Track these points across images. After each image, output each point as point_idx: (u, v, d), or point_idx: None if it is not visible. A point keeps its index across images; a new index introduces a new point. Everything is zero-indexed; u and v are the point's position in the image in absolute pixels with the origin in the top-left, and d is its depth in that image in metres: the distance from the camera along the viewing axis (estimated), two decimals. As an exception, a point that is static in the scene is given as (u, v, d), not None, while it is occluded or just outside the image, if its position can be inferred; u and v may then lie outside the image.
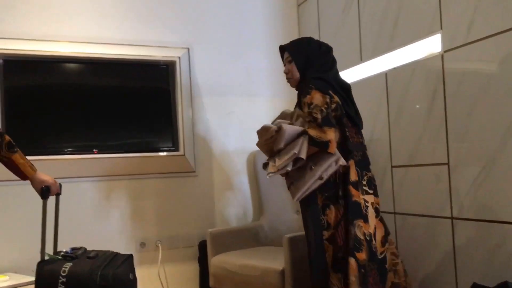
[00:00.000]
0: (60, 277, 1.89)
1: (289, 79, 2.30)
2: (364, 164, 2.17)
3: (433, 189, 2.44)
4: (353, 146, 2.13)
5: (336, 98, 2.10)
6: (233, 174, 3.44)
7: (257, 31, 3.55)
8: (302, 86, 2.20)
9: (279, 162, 1.95)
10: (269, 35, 3.59)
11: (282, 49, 2.35)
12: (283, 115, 2.24)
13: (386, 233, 2.19)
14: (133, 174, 3.12)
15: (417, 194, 2.55)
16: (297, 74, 2.24)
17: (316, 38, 3.37)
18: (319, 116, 1.97)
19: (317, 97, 2.02)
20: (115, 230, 3.07)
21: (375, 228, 2.12)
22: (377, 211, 2.17)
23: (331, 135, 1.97)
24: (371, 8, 2.88)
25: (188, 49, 3.30)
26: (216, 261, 2.84)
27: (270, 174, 1.97)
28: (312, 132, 1.96)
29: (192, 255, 3.23)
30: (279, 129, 1.99)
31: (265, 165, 2.09)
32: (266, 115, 3.54)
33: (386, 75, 2.76)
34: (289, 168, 1.95)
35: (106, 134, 3.15)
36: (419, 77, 2.53)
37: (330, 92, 2.08)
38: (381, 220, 2.20)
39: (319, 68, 2.19)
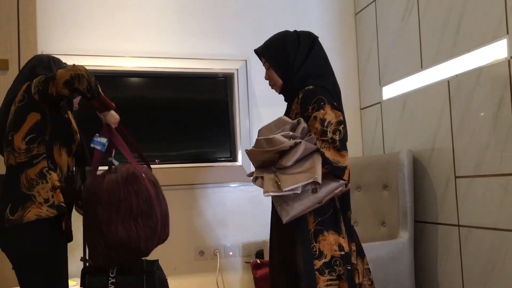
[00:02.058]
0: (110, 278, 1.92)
1: (272, 86, 2.08)
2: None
3: (500, 201, 2.32)
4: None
5: (343, 114, 1.89)
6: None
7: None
8: (290, 92, 1.96)
9: (287, 183, 1.67)
10: (326, 44, 3.54)
11: (258, 54, 2.10)
12: (279, 123, 1.88)
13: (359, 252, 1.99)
14: (192, 183, 3.20)
15: (484, 206, 2.44)
16: (279, 81, 2.00)
17: (375, 46, 3.38)
18: (337, 137, 1.76)
19: (330, 114, 1.79)
20: (174, 238, 3.12)
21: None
22: None
23: (347, 160, 1.78)
24: (432, 14, 2.81)
25: (246, 61, 3.36)
26: (273, 271, 2.84)
27: (270, 194, 1.69)
28: (329, 154, 1.73)
29: (249, 264, 3.25)
30: (295, 146, 1.73)
31: (256, 179, 1.82)
32: (323, 125, 3.53)
33: (448, 82, 2.67)
34: (298, 192, 1.69)
35: (167, 145, 3.26)
36: (484, 84, 2.43)
37: (336, 105, 1.84)
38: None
39: (311, 70, 1.92)
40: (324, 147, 1.75)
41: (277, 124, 1.86)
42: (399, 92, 3.14)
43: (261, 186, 1.76)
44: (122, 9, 3.16)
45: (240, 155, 3.31)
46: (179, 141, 3.28)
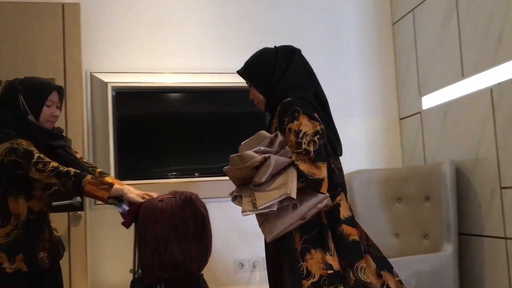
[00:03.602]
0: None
1: (256, 105, 2.01)
2: (344, 193, 1.87)
3: (550, 213, 2.23)
4: (339, 176, 1.84)
5: (321, 124, 1.80)
6: (329, 196, 3.41)
7: (351, 52, 3.55)
8: (273, 106, 1.88)
9: (261, 201, 1.59)
10: (363, 55, 3.57)
11: (240, 74, 2.07)
12: (258, 139, 1.82)
13: (379, 265, 1.81)
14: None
15: (532, 218, 2.34)
16: (261, 97, 1.94)
17: (413, 55, 3.34)
18: (311, 148, 1.66)
19: (305, 124, 1.71)
20: (214, 251, 3.13)
21: None
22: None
23: (325, 172, 1.66)
24: (473, 22, 2.75)
25: (282, 73, 3.38)
26: (313, 284, 2.81)
27: (248, 213, 1.62)
28: (304, 167, 1.63)
29: (289, 277, 3.24)
30: (265, 161, 1.67)
31: (235, 198, 1.78)
32: (361, 136, 3.50)
33: (491, 90, 2.60)
34: (274, 209, 1.59)
35: (206, 158, 3.30)
36: (529, 92, 2.35)
37: (316, 116, 1.77)
38: (367, 251, 1.85)
39: (291, 82, 1.86)
40: (299, 159, 1.66)
41: (256, 140, 1.81)
42: (439, 101, 3.07)
43: (240, 205, 1.70)
44: (161, 27, 3.25)
45: (278, 167, 3.31)
46: (218, 154, 3.32)
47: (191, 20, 3.31)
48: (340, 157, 1.97)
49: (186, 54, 3.27)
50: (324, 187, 1.63)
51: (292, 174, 1.62)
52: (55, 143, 2.04)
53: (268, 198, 1.58)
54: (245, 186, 1.74)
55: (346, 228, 1.74)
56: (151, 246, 1.91)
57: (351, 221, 1.77)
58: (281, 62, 1.89)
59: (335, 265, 1.69)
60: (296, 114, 1.72)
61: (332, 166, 1.79)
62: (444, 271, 2.65)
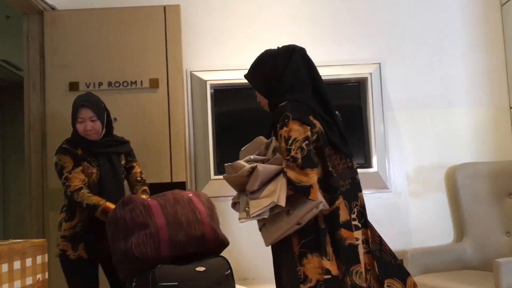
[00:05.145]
0: None
1: (263, 107, 1.98)
2: (353, 194, 1.81)
3: None
4: (339, 177, 1.77)
5: (318, 125, 1.76)
6: (430, 190, 3.26)
7: (455, 37, 3.34)
8: (274, 109, 1.84)
9: (253, 209, 1.62)
10: (468, 40, 3.35)
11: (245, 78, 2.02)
12: (256, 145, 1.84)
13: (387, 273, 1.75)
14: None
15: None
16: (264, 100, 1.92)
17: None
18: (299, 155, 1.63)
19: (295, 130, 1.67)
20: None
21: (365, 267, 1.75)
22: (368, 245, 1.79)
23: (314, 178, 1.63)
24: None
25: (379, 64, 3.28)
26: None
27: (243, 220, 1.66)
28: (292, 174, 1.62)
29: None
30: (253, 171, 1.68)
31: (234, 204, 1.80)
32: (466, 128, 3.30)
33: None
34: (265, 216, 1.62)
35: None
36: None
37: (311, 118, 1.74)
38: (376, 255, 1.79)
39: (289, 82, 1.82)
40: (288, 166, 1.64)
41: (254, 146, 1.82)
42: (557, 87, 2.79)
43: (238, 211, 1.72)
44: (255, 23, 3.31)
45: (375, 161, 3.23)
46: (313, 148, 3.31)
47: (285, 14, 3.33)
48: (347, 156, 1.87)
49: (280, 49, 3.29)
50: (313, 193, 1.61)
51: (282, 182, 1.62)
52: (97, 150, 2.36)
53: (259, 206, 1.61)
54: (243, 193, 1.75)
55: (344, 232, 1.70)
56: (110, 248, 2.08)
57: (349, 225, 1.73)
58: (279, 64, 1.85)
59: (333, 269, 1.66)
60: (286, 120, 1.69)
61: (330, 169, 1.73)
62: None
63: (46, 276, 1.82)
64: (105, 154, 2.37)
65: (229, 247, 2.13)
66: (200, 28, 3.28)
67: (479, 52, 3.35)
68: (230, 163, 1.78)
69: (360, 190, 1.85)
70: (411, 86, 3.31)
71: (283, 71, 1.83)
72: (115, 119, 2.93)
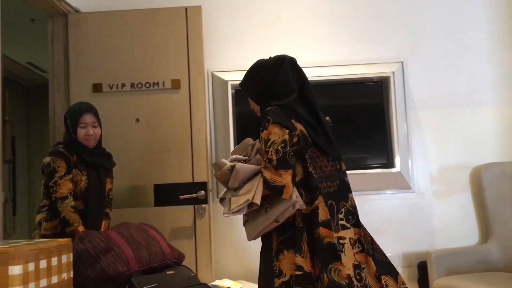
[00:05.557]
0: None
1: (256, 113, 2.04)
2: (341, 195, 1.88)
3: None
4: (327, 178, 1.86)
5: (300, 127, 1.83)
6: (454, 190, 3.21)
7: (479, 34, 3.28)
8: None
9: (233, 205, 1.77)
10: (493, 36, 3.28)
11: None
12: (243, 146, 1.96)
13: (381, 270, 1.82)
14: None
15: None
16: (257, 107, 2.01)
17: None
18: (274, 157, 1.73)
19: (275, 133, 1.77)
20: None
21: (358, 265, 1.80)
22: (361, 244, 1.84)
23: (287, 179, 1.72)
24: None
25: (402, 62, 3.24)
26: (440, 284, 2.68)
27: (225, 215, 1.82)
28: (267, 174, 1.73)
29: (411, 276, 3.11)
30: (232, 169, 1.82)
31: (222, 200, 1.91)
32: (492, 126, 3.24)
33: None
34: (244, 212, 1.78)
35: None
36: None
37: (293, 122, 1.82)
38: (370, 254, 1.84)
39: (277, 90, 1.91)
40: (266, 167, 1.75)
41: (242, 147, 1.95)
42: None
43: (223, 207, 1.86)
44: (276, 23, 3.30)
45: (398, 161, 3.20)
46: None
47: (306, 13, 3.32)
48: (335, 158, 1.96)
49: (301, 48, 3.28)
50: (286, 193, 1.70)
51: (259, 181, 1.75)
52: (89, 160, 2.41)
53: (237, 203, 1.76)
54: (229, 190, 1.88)
55: (323, 231, 1.76)
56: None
57: (328, 224, 1.78)
58: (269, 73, 1.94)
59: (306, 266, 1.74)
60: (267, 124, 1.79)
61: (310, 170, 1.81)
62: None
63: (71, 275, 1.85)
64: (95, 166, 2.44)
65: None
66: (221, 28, 3.29)
67: (504, 49, 3.28)
68: (215, 161, 1.95)
69: (350, 192, 1.94)
70: (435, 84, 3.26)
71: (272, 80, 1.93)
72: (138, 119, 2.97)
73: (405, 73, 3.24)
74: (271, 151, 1.75)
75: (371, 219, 3.18)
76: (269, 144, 1.76)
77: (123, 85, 3.00)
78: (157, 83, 3.00)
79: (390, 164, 3.25)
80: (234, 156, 1.91)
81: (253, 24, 3.31)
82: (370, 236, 1.91)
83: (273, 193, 1.73)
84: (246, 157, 1.89)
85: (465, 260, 2.87)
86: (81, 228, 2.28)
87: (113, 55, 3.02)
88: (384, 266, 1.84)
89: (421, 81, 3.26)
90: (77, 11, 3.14)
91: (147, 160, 2.94)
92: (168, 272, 2.18)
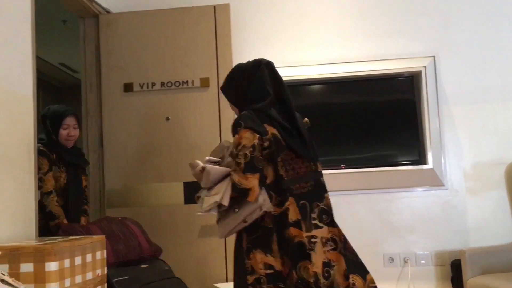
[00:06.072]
0: None
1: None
2: (316, 195, 1.93)
3: None
4: (301, 180, 1.91)
5: (273, 131, 1.88)
6: (489, 187, 3.13)
7: (513, 26, 3.19)
8: None
9: (205, 204, 1.86)
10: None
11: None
12: (219, 148, 2.04)
13: (350, 269, 1.87)
14: (379, 188, 3.15)
15: None
16: (236, 110, 2.07)
17: None
18: (242, 160, 1.81)
19: (246, 137, 1.83)
20: (361, 243, 3.09)
21: (327, 262, 1.85)
22: (334, 243, 1.90)
23: (253, 182, 1.80)
24: None
25: (434, 57, 3.18)
26: (474, 283, 2.62)
27: (199, 213, 1.91)
28: (235, 177, 1.81)
29: (444, 275, 3.06)
30: (203, 170, 1.89)
31: (197, 198, 1.98)
32: (528, 122, 3.14)
33: None
34: (214, 212, 1.88)
35: (352, 149, 3.26)
36: None
37: (266, 126, 1.88)
38: (342, 253, 1.89)
39: (254, 93, 1.97)
40: (234, 170, 1.82)
41: (220, 148, 2.02)
42: None
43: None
44: (304, 19, 3.29)
45: (431, 157, 3.14)
46: (364, 145, 3.26)
47: (334, 9, 3.29)
48: (311, 160, 1.98)
49: (329, 44, 3.26)
50: (251, 196, 1.78)
51: (228, 183, 1.83)
52: (68, 159, 2.55)
53: (208, 202, 1.84)
54: (203, 189, 1.95)
55: (293, 231, 1.83)
56: None
57: (298, 224, 1.84)
58: (246, 77, 2.01)
59: (277, 265, 1.83)
60: (238, 128, 1.86)
61: (280, 173, 1.86)
62: None
63: (105, 271, 1.89)
64: (73, 164, 2.59)
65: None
66: (249, 26, 3.29)
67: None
68: (190, 162, 2.01)
69: (326, 191, 1.98)
70: (468, 79, 3.19)
71: (248, 85, 2.00)
72: (168, 118, 3.00)
73: (437, 67, 3.17)
74: (240, 155, 1.82)
75: (403, 217, 3.14)
76: (239, 148, 1.83)
77: (153, 84, 3.04)
78: (187, 82, 3.03)
79: (422, 160, 3.20)
80: (207, 158, 1.99)
81: (281, 21, 3.29)
82: (343, 236, 1.96)
83: (239, 195, 1.81)
84: (218, 159, 1.98)
85: (500, 259, 2.80)
86: (65, 221, 2.41)
87: (143, 54, 3.06)
88: (354, 265, 1.90)
89: (454, 75, 3.19)
90: (108, 11, 3.19)
91: (176, 158, 2.97)
92: (142, 266, 2.33)
